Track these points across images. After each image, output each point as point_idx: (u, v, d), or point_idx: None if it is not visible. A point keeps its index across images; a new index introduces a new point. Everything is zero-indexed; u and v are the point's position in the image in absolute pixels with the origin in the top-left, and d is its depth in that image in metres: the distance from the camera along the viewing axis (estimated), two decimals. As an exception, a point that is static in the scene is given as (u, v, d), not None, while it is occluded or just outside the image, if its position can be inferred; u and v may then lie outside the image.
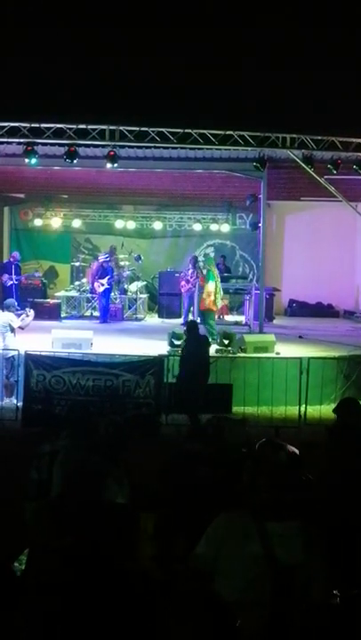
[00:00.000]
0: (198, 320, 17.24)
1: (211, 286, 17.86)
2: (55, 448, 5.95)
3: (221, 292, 18.87)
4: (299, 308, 25.64)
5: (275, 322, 22.72)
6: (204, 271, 18.78)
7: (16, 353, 13.67)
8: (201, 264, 20.27)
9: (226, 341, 15.66)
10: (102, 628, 4.08)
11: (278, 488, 3.53)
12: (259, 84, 19.62)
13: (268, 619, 3.29)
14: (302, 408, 13.52)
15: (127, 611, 3.95)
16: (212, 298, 17.93)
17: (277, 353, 15.53)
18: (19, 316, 14.37)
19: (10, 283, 21.63)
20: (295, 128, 16.94)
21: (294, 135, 16.88)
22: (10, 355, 13.71)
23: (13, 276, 21.75)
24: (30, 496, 5.85)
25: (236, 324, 21.41)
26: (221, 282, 21.77)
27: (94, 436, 5.79)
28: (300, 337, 18.71)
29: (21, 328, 14.20)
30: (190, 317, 20.72)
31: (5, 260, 23.54)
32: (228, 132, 16.71)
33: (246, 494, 3.67)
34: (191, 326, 13.71)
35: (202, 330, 15.43)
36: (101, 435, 5.71)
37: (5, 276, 21.74)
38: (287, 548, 3.43)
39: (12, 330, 14.00)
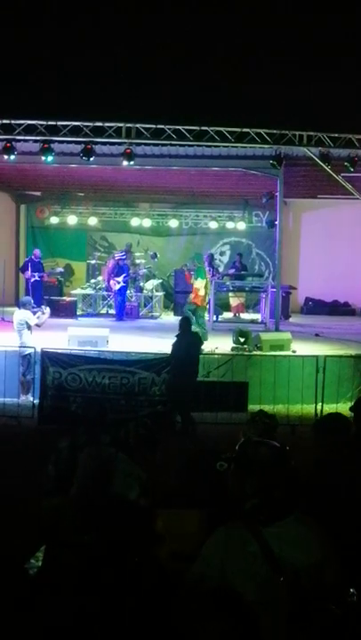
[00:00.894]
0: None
1: (199, 283, 17.83)
2: (73, 443, 5.94)
3: (211, 291, 18.90)
4: (315, 306, 25.57)
5: (291, 320, 22.66)
6: (193, 268, 18.69)
7: (32, 350, 13.69)
8: (189, 262, 20.17)
9: (242, 339, 15.64)
10: (119, 625, 4.09)
11: (267, 489, 3.44)
12: (275, 81, 19.59)
13: (285, 618, 3.25)
14: (319, 406, 13.47)
15: (144, 608, 3.96)
16: (202, 294, 17.93)
17: (294, 351, 15.49)
18: (34, 313, 14.38)
19: (32, 279, 21.69)
20: (312, 125, 16.88)
21: (311, 133, 16.83)
22: (26, 352, 13.73)
23: (36, 273, 21.80)
24: (47, 491, 5.85)
25: (252, 322, 21.36)
26: (237, 280, 21.82)
27: (116, 435, 5.78)
28: (316, 335, 18.65)
29: (38, 325, 14.22)
30: (206, 315, 20.73)
31: (27, 258, 23.60)
32: (244, 130, 16.67)
33: (235, 503, 3.58)
34: (183, 323, 13.56)
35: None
36: (127, 434, 5.70)
37: (28, 273, 21.80)
38: (291, 551, 3.32)
39: (29, 327, 14.02)
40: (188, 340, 13.12)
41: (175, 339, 13.24)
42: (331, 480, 4.78)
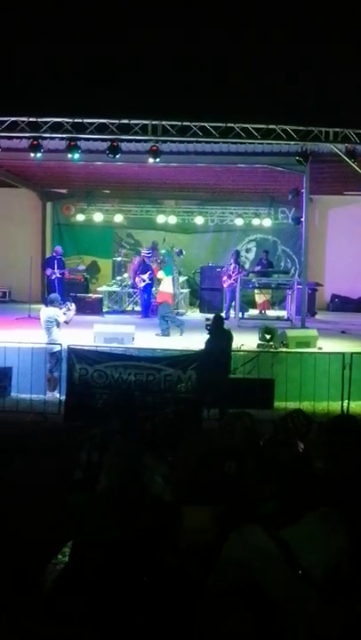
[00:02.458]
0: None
1: (165, 279, 17.96)
2: (107, 431, 5.96)
3: (178, 287, 18.99)
4: (341, 303, 25.47)
5: (317, 317, 22.59)
6: (162, 265, 18.68)
7: (60, 347, 13.76)
8: (160, 259, 20.09)
9: (268, 336, 15.60)
10: (143, 620, 4.10)
11: (286, 491, 3.40)
12: (302, 77, 19.51)
13: (307, 616, 3.23)
14: (345, 403, 13.42)
15: (168, 603, 3.97)
16: (170, 290, 18.06)
17: (320, 348, 15.43)
18: (60, 310, 14.44)
19: (54, 277, 21.82)
20: (338, 122, 16.80)
21: (337, 129, 16.74)
22: (55, 349, 13.79)
23: (57, 270, 21.92)
24: (77, 479, 5.88)
25: (278, 318, 21.29)
26: (263, 277, 21.76)
27: (143, 430, 5.79)
28: (342, 332, 18.58)
29: (66, 322, 14.29)
30: (232, 312, 20.72)
31: (49, 255, 23.73)
32: (270, 127, 16.63)
33: (253, 503, 3.54)
34: (216, 320, 13.68)
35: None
36: (153, 430, 5.71)
37: (49, 270, 21.93)
38: (311, 549, 3.29)
39: (58, 324, 14.09)
40: (221, 337, 13.18)
41: (208, 335, 13.35)
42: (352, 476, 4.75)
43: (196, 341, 15.17)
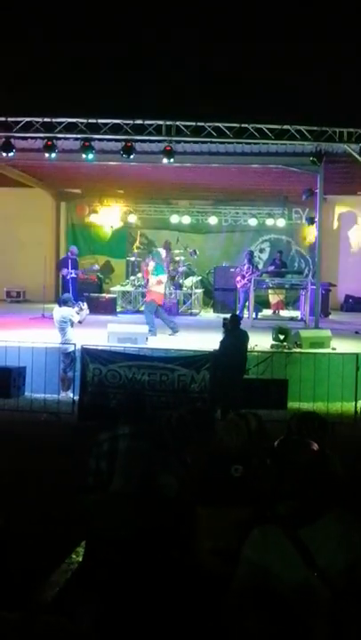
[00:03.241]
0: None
1: (159, 279, 17.93)
2: (114, 436, 5.95)
3: (167, 287, 18.95)
4: (355, 304, 25.42)
5: (331, 317, 22.55)
6: (151, 265, 18.61)
7: (73, 347, 13.80)
8: (149, 259, 19.98)
9: (281, 337, 15.59)
10: (159, 621, 4.11)
11: (303, 491, 3.40)
12: (316, 78, 19.49)
13: (326, 617, 3.22)
14: (358, 404, 13.40)
15: (185, 604, 3.98)
16: (160, 290, 18.02)
17: (333, 348, 15.41)
18: (73, 309, 14.48)
19: (68, 277, 21.88)
20: (353, 122, 16.76)
21: (352, 129, 16.71)
22: (70, 349, 13.84)
23: (72, 270, 21.97)
24: (88, 485, 5.88)
25: (292, 319, 21.28)
26: (277, 277, 21.74)
27: (154, 429, 5.80)
28: (356, 332, 18.55)
29: (79, 322, 14.34)
30: (245, 313, 20.70)
31: (64, 255, 23.80)
32: (284, 127, 16.62)
33: (270, 504, 3.54)
34: (233, 319, 13.68)
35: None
36: (167, 429, 5.71)
37: (65, 270, 21.99)
38: (328, 550, 3.26)
39: (72, 324, 14.14)
40: (237, 337, 13.18)
41: (223, 335, 13.35)
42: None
43: (209, 341, 15.18)
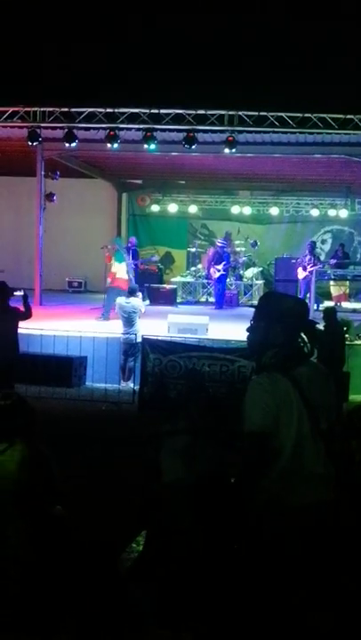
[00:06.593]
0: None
1: (116, 267, 17.71)
2: (175, 429, 5.93)
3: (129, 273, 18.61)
4: None
5: (394, 309, 22.20)
6: (113, 251, 18.35)
7: (135, 337, 13.85)
8: (110, 243, 19.65)
9: (344, 329, 15.40)
10: (219, 611, 4.09)
11: (291, 336, 3.90)
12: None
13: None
14: None
15: (243, 595, 3.95)
16: (124, 277, 17.75)
17: (396, 341, 15.20)
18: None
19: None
20: None
21: None
22: (133, 340, 13.87)
23: (131, 261, 22.01)
24: (148, 474, 5.89)
25: (355, 311, 20.99)
26: (340, 268, 21.49)
27: (221, 426, 5.77)
28: None
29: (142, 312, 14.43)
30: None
31: (124, 246, 23.87)
32: (348, 116, 16.40)
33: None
34: (329, 312, 13.43)
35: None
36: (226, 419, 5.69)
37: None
38: (313, 389, 3.72)
39: (140, 314, 14.22)
40: (335, 329, 12.97)
41: (322, 328, 13.20)
42: None
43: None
